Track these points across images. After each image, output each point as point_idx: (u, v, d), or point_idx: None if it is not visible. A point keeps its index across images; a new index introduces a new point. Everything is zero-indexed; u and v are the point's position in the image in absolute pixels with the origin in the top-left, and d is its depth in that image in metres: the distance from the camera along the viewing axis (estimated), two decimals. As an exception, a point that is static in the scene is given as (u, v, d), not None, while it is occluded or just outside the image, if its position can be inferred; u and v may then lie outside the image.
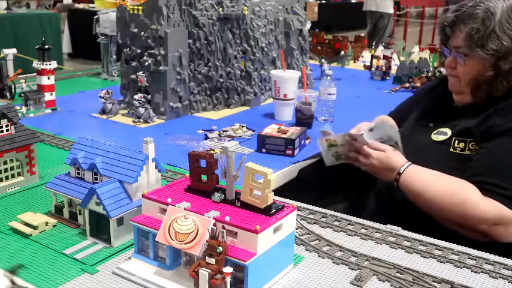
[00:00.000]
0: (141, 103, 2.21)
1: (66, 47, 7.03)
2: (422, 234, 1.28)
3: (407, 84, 2.99)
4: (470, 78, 1.55)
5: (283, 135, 1.86)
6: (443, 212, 1.44)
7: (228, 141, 1.46)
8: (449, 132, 1.58)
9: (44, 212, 1.32)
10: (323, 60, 3.23)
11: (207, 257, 0.94)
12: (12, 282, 0.82)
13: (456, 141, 1.55)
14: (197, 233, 0.97)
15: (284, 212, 1.04)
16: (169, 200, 1.06)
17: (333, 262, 1.15)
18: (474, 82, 1.55)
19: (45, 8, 8.75)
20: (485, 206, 1.38)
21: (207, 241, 0.95)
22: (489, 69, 1.50)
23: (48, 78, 2.29)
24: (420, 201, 1.49)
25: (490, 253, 1.20)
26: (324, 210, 1.40)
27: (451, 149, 1.55)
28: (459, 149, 1.54)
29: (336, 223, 1.33)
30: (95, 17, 2.98)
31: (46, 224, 1.25)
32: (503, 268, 1.14)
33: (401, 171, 1.52)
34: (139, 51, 2.28)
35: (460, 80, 1.59)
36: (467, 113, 1.58)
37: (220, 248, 0.93)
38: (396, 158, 1.55)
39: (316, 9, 6.41)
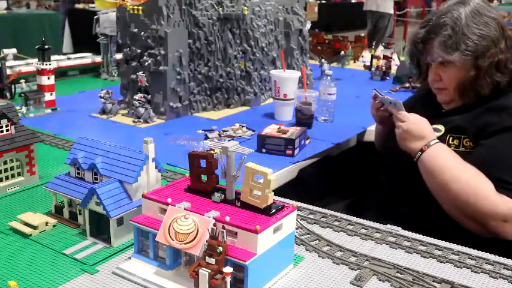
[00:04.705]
0: (141, 103, 2.21)
1: (66, 47, 7.02)
2: (423, 235, 1.28)
3: (407, 84, 2.99)
4: (456, 84, 1.61)
5: (283, 135, 1.86)
6: (456, 197, 1.44)
7: (228, 141, 1.46)
8: (442, 129, 1.60)
9: (44, 212, 1.32)
10: (323, 60, 3.23)
11: (207, 257, 0.94)
12: None
13: (451, 138, 1.57)
14: (197, 233, 0.97)
15: (284, 212, 1.04)
16: (169, 200, 1.06)
17: (333, 262, 1.15)
18: (461, 86, 1.61)
19: (45, 8, 8.74)
20: (497, 200, 1.40)
21: (207, 241, 0.95)
22: (471, 70, 1.57)
23: (48, 78, 2.30)
24: (436, 180, 1.49)
25: (490, 252, 1.20)
26: (324, 210, 1.40)
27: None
28: (453, 146, 1.56)
29: (336, 223, 1.33)
30: (95, 17, 2.98)
31: (46, 224, 1.25)
32: (503, 268, 1.14)
33: (431, 144, 1.51)
34: (139, 51, 2.28)
35: (448, 90, 1.65)
36: (458, 113, 1.62)
37: (220, 248, 0.93)
38: (430, 129, 1.56)
39: (316, 9, 6.41)
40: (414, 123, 1.55)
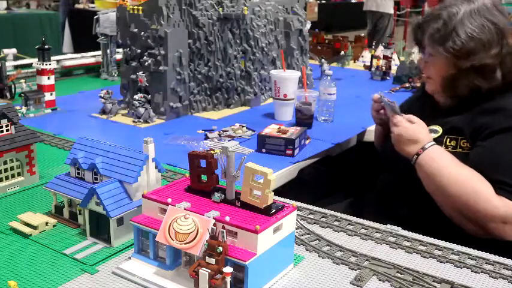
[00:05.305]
0: (141, 103, 2.21)
1: (66, 47, 7.03)
2: (423, 234, 1.28)
3: (407, 84, 2.99)
4: (439, 77, 1.62)
5: (283, 135, 1.86)
6: (455, 199, 1.44)
7: (228, 141, 1.46)
8: (440, 130, 1.60)
9: (44, 212, 1.32)
10: (323, 60, 3.23)
11: (207, 257, 0.94)
12: None
13: (448, 139, 1.57)
14: (197, 233, 0.97)
15: (284, 212, 1.04)
16: (169, 200, 1.06)
17: (333, 262, 1.15)
18: (443, 81, 1.62)
19: (45, 8, 8.76)
20: (497, 202, 1.40)
21: (207, 241, 0.95)
22: (451, 68, 1.58)
23: (48, 78, 2.30)
24: (434, 183, 1.48)
25: (490, 252, 1.20)
26: (324, 210, 1.40)
27: (443, 147, 1.56)
28: (451, 147, 1.56)
29: (336, 223, 1.33)
30: (95, 17, 2.98)
31: (46, 224, 1.25)
32: (503, 268, 1.14)
33: (426, 147, 1.50)
34: (139, 51, 2.28)
35: (433, 80, 1.66)
36: (453, 113, 1.61)
37: (220, 248, 0.93)
38: (425, 132, 1.55)
39: (316, 9, 6.42)
40: (406, 127, 1.54)
